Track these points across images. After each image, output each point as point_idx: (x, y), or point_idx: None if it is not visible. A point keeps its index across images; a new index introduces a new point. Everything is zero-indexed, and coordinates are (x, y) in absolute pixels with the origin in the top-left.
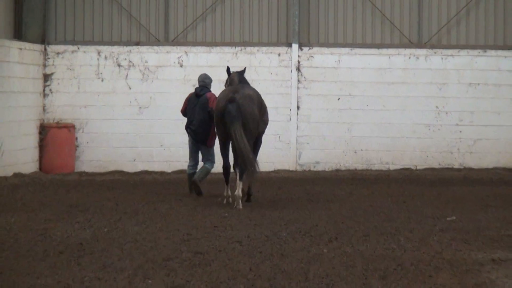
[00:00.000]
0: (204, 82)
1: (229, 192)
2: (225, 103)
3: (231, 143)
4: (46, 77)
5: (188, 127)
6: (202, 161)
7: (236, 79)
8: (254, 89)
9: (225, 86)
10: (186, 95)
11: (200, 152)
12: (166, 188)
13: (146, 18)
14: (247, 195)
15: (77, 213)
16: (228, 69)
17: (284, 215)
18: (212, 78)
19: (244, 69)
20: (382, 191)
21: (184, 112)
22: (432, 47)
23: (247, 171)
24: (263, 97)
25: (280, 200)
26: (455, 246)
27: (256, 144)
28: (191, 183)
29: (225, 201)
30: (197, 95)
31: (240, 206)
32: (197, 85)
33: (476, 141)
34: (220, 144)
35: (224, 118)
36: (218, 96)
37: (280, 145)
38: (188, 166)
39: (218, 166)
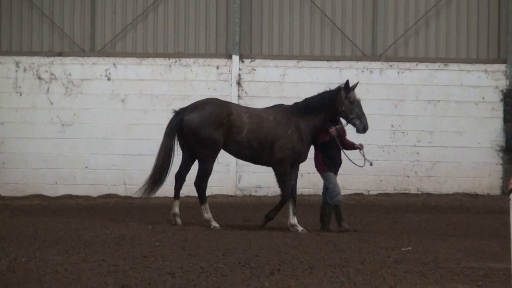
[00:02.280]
0: None
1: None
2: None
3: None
4: None
5: None
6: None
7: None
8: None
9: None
10: (113, 112)
11: None
12: (91, 214)
13: (70, 26)
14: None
15: None
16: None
17: (221, 244)
18: (144, 93)
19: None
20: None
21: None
22: (388, 60)
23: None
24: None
25: (218, 228)
26: (411, 279)
27: (276, 172)
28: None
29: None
30: None
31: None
32: (126, 100)
33: (435, 164)
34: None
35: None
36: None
37: (218, 167)
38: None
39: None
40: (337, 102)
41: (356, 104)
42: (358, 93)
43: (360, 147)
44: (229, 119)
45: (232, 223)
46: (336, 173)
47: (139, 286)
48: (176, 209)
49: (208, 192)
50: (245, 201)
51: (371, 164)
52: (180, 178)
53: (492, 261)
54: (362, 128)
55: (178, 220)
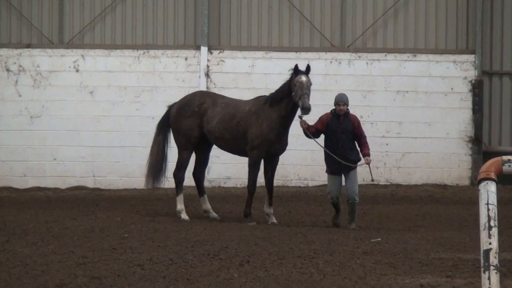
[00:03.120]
0: None
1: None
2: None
3: None
4: None
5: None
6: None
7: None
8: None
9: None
10: (82, 103)
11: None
12: (60, 206)
13: (38, 18)
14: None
15: None
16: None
17: (190, 236)
18: (112, 85)
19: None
20: (300, 209)
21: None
22: (356, 51)
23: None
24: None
25: (186, 220)
26: (380, 270)
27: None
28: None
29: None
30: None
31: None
32: (95, 92)
33: (404, 155)
34: None
35: None
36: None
37: None
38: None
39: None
40: (291, 87)
41: (298, 85)
42: (326, 83)
43: (367, 161)
44: (201, 107)
45: (201, 215)
46: (338, 170)
47: (108, 278)
48: (206, 205)
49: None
50: (214, 193)
51: (372, 181)
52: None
53: (462, 251)
54: (301, 107)
55: (213, 214)
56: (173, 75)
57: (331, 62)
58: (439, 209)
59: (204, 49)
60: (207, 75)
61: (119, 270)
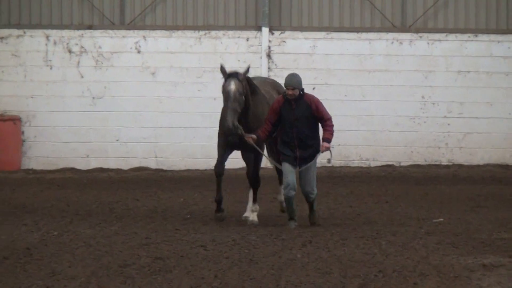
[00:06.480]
0: None
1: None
2: None
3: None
4: None
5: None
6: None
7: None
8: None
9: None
10: (143, 84)
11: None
12: (123, 187)
13: None
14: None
15: (24, 214)
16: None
17: None
18: (174, 66)
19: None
20: (362, 190)
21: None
22: (417, 31)
23: None
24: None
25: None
26: (443, 250)
27: None
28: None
29: None
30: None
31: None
32: (156, 73)
33: (466, 135)
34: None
35: None
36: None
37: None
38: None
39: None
40: None
41: (225, 95)
42: (387, 64)
43: (322, 149)
44: None
45: (263, 196)
46: (293, 162)
47: (171, 259)
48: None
49: (239, 164)
50: (275, 173)
51: (329, 162)
52: None
53: None
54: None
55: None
56: (234, 56)
57: (392, 42)
58: (501, 189)
59: (265, 30)
60: (269, 56)
61: (182, 251)
